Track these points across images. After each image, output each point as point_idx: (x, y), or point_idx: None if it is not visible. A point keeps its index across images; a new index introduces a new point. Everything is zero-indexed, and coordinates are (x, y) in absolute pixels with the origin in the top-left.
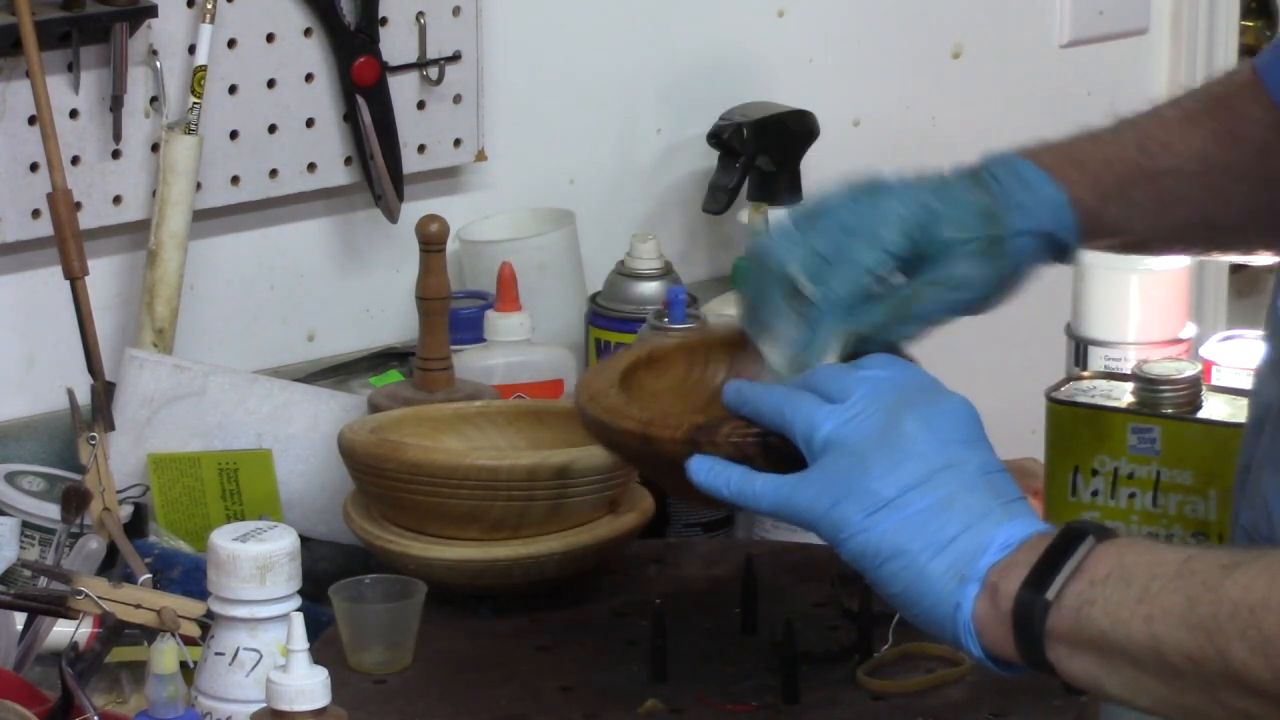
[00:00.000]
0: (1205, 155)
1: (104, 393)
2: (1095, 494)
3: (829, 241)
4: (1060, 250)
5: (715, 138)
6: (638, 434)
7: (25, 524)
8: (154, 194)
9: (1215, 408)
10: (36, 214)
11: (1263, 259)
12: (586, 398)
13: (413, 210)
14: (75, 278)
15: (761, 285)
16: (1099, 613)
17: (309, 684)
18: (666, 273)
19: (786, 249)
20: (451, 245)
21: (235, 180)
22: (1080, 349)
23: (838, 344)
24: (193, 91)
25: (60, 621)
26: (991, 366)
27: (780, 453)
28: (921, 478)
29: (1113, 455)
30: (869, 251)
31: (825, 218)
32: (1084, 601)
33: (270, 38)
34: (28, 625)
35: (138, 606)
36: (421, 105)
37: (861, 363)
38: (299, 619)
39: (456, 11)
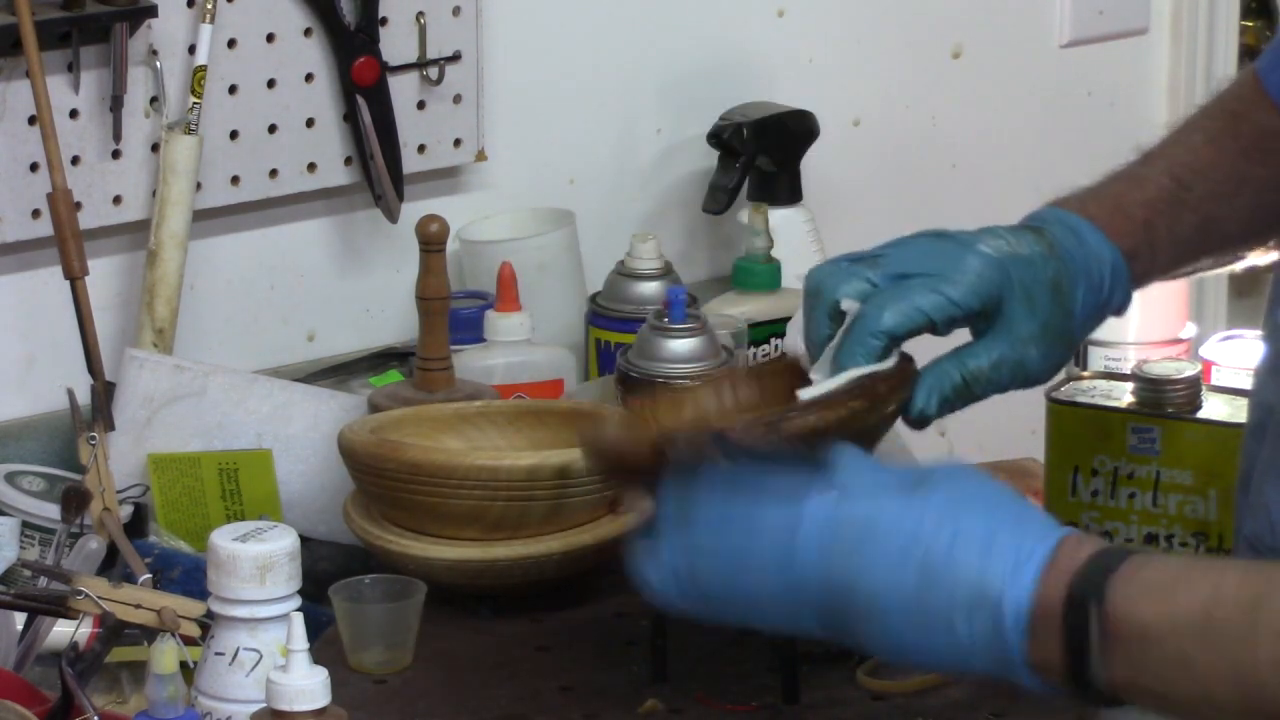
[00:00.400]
0: (1238, 175)
1: (104, 393)
2: (1095, 494)
3: (888, 279)
4: (1116, 306)
5: (715, 138)
6: (612, 450)
7: (25, 524)
8: (154, 194)
9: (1215, 408)
10: (36, 214)
11: None
12: (587, 428)
13: (413, 210)
14: (75, 278)
15: (809, 312)
16: (1149, 680)
17: (309, 684)
18: (666, 273)
19: (839, 279)
20: (451, 245)
21: (235, 180)
22: (1080, 349)
23: (870, 351)
24: (193, 91)
25: (60, 621)
26: None
27: (738, 446)
28: (906, 627)
29: (1113, 455)
30: (928, 295)
31: (890, 260)
32: (1132, 673)
33: (270, 38)
34: (28, 625)
35: (138, 606)
36: (421, 105)
37: (837, 470)
38: (299, 619)
39: (456, 11)
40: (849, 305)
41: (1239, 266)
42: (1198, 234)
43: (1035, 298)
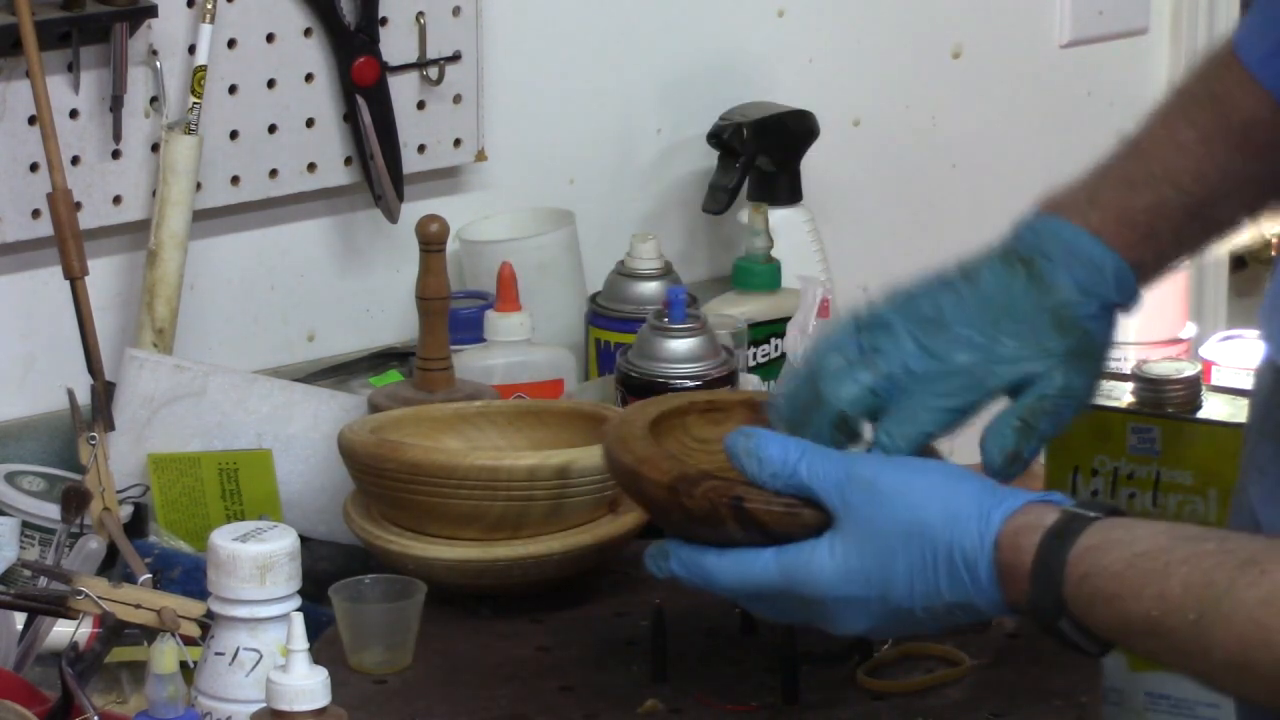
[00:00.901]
0: (1235, 173)
1: (104, 393)
2: (1095, 494)
3: (891, 385)
4: (1125, 308)
5: (715, 138)
6: (629, 469)
7: (25, 524)
8: (154, 194)
9: (1215, 408)
10: (36, 214)
11: None
12: (615, 423)
13: (413, 210)
14: (75, 278)
15: (810, 412)
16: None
17: (309, 684)
18: (666, 273)
19: (838, 384)
20: (451, 245)
21: (235, 180)
22: None
23: None
24: (193, 91)
25: (60, 621)
26: None
27: (753, 519)
28: (894, 620)
29: (1113, 455)
30: (932, 413)
31: (886, 354)
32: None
33: (270, 38)
34: (28, 625)
35: (138, 606)
36: (421, 105)
37: (860, 463)
38: (299, 619)
39: (456, 11)
40: (862, 426)
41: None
42: (1203, 232)
43: (1043, 344)
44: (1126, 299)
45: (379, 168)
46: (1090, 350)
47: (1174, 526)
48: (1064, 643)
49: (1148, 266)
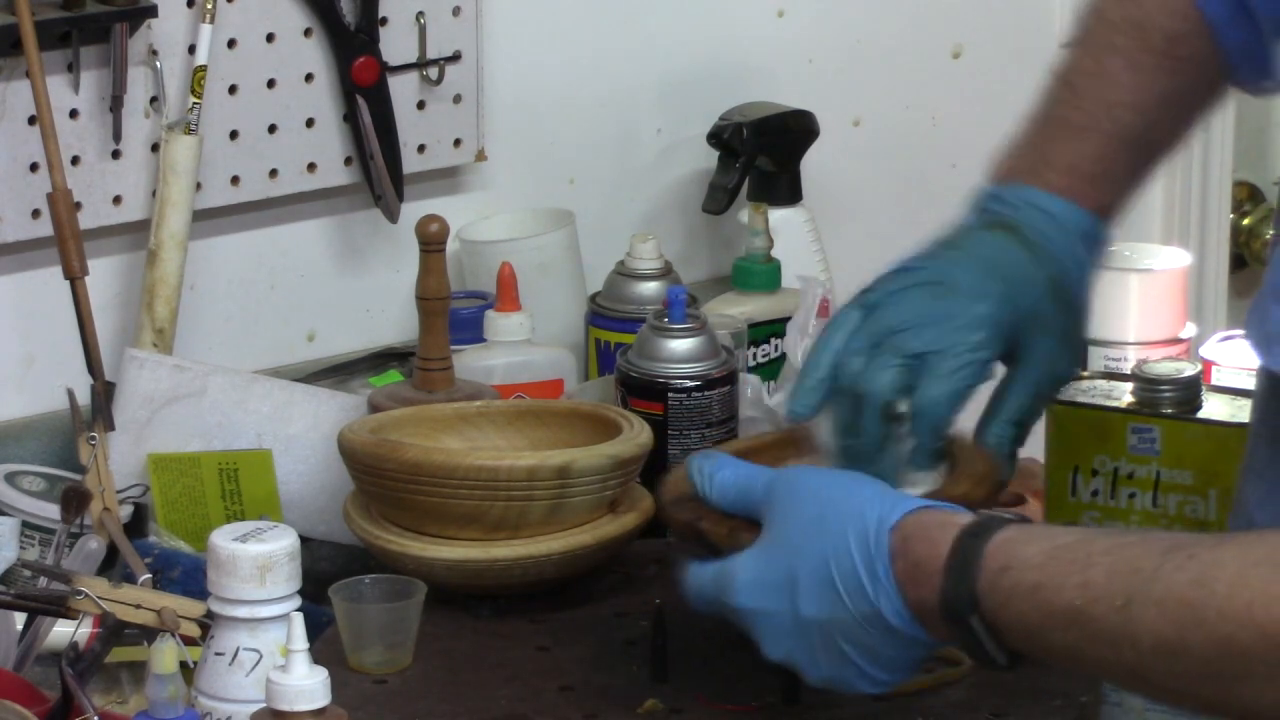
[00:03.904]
0: (1160, 94)
1: (104, 393)
2: (1095, 494)
3: (919, 342)
4: (1097, 264)
5: (715, 138)
6: (658, 496)
7: (25, 524)
8: (154, 194)
9: (1215, 408)
10: (36, 214)
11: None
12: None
13: (413, 210)
14: (75, 278)
15: (854, 418)
16: (1048, 655)
17: (309, 684)
18: (666, 273)
19: (874, 375)
20: (451, 245)
21: (235, 180)
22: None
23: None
24: (193, 91)
25: (60, 621)
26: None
27: (706, 540)
28: (812, 644)
29: (1113, 455)
30: (966, 368)
31: (907, 338)
32: (1030, 648)
33: (270, 38)
34: (28, 625)
35: (138, 606)
36: (421, 105)
37: (788, 472)
38: (299, 619)
39: (456, 11)
40: (904, 405)
41: (1193, 261)
42: (1147, 164)
43: (1041, 315)
44: (1100, 255)
45: (379, 168)
46: (1076, 326)
47: (1092, 527)
48: (970, 648)
49: (1108, 211)
